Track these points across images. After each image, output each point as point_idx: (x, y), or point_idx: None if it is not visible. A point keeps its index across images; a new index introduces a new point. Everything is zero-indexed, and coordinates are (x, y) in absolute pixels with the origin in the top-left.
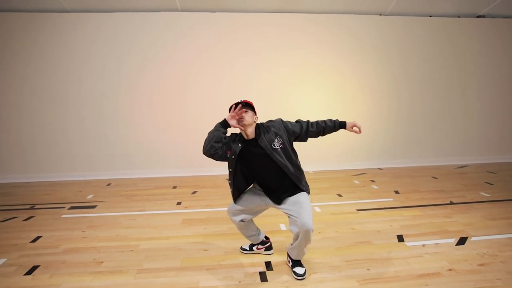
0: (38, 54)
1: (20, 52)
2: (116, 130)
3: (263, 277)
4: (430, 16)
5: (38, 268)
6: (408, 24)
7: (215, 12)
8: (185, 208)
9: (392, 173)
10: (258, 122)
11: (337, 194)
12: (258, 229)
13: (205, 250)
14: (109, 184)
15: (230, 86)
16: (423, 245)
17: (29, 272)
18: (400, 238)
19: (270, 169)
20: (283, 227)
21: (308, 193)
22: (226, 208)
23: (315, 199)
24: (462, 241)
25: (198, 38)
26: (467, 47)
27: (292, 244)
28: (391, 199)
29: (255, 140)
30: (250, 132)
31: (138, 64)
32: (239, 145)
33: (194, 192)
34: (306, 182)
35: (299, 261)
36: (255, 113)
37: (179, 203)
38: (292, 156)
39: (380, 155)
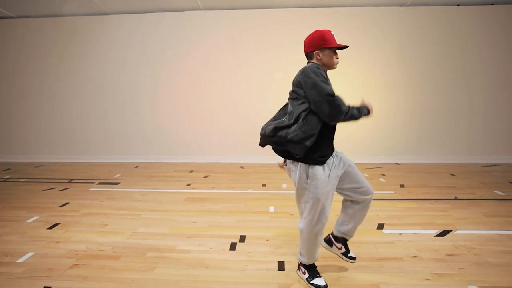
0: (79, 53)
1: (62, 53)
2: (146, 121)
3: (232, 246)
4: (458, 5)
5: (58, 225)
6: (433, 15)
7: (234, 9)
8: (193, 188)
9: (408, 169)
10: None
11: None
12: None
13: (194, 222)
14: (137, 167)
15: (247, 80)
16: (400, 234)
17: (51, 227)
18: (380, 226)
19: None
20: (271, 209)
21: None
22: (228, 191)
23: None
24: (443, 233)
25: (217, 34)
26: (502, 38)
27: (347, 225)
28: (392, 192)
29: None
30: None
31: (165, 60)
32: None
33: (206, 176)
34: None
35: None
36: None
37: (189, 184)
38: None
39: (399, 150)
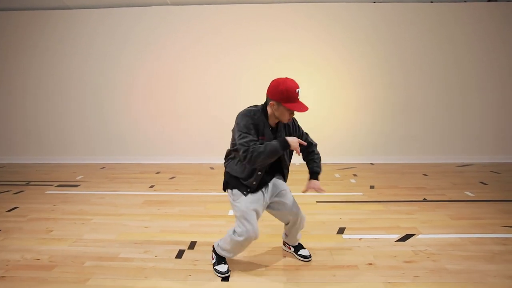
0: (42, 50)
1: (26, 48)
2: (115, 121)
3: (179, 254)
4: (432, 1)
5: None
6: (406, 12)
7: (202, 4)
8: (154, 191)
9: (382, 169)
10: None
11: None
12: None
13: (146, 227)
14: (103, 168)
15: (218, 78)
16: (360, 239)
17: None
18: (341, 231)
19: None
20: (231, 212)
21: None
22: (190, 193)
23: None
24: (405, 237)
25: (187, 31)
26: (476, 37)
27: (286, 236)
28: (361, 193)
29: (275, 128)
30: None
31: (133, 57)
32: (269, 130)
33: (172, 178)
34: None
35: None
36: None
37: (151, 186)
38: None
39: (374, 150)
